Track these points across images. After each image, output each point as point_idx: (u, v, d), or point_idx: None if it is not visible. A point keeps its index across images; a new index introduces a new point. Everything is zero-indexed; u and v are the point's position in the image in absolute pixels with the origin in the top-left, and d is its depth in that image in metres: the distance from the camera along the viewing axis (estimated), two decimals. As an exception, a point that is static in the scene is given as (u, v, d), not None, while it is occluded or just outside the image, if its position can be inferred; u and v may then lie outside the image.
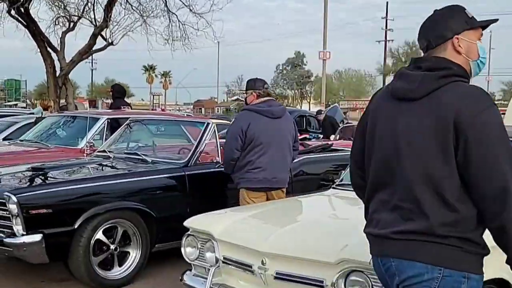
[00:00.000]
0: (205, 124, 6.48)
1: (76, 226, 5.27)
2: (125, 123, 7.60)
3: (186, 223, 4.34)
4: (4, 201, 5.13)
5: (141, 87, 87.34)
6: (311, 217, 3.94)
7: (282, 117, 5.94)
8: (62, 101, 18.71)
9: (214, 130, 6.43)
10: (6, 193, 5.05)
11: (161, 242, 5.94)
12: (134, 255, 5.74)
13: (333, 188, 5.08)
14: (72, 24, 19.44)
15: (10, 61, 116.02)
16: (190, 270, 4.37)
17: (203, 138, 6.33)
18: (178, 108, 70.40)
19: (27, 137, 9.49)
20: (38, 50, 17.62)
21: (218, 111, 67.87)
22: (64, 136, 9.26)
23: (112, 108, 11.01)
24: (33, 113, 19.49)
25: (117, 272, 5.66)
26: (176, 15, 19.99)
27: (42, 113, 10.81)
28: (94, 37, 18.09)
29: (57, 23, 19.24)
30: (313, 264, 3.42)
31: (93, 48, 18.46)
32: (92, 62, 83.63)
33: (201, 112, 73.81)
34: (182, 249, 4.30)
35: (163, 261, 6.17)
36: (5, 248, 5.21)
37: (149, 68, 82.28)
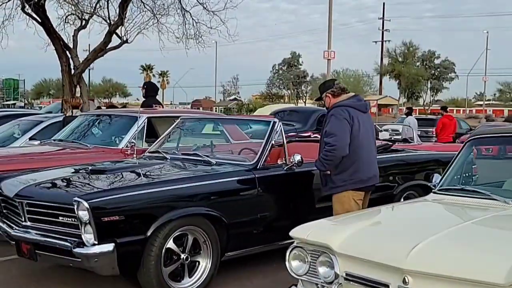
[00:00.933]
0: (271, 123, 5.96)
1: (148, 234, 4.76)
2: (176, 122, 7.07)
3: (293, 233, 3.82)
4: (71, 207, 4.60)
5: (139, 87, 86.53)
6: (445, 228, 3.42)
7: (368, 112, 5.72)
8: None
9: (281, 129, 5.93)
10: (77, 199, 4.52)
11: (232, 250, 5.44)
12: (204, 265, 5.23)
13: (434, 193, 4.57)
14: (84, 21, 18.90)
15: (5, 60, 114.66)
16: (296, 285, 3.84)
17: (270, 138, 5.82)
18: (174, 108, 69.77)
19: (60, 136, 8.94)
20: (54, 48, 16.99)
21: (216, 111, 67.26)
22: (100, 135, 8.72)
23: (144, 106, 10.46)
24: (50, 111, 19.00)
25: (188, 284, 5.15)
26: (190, 13, 19.45)
27: (72, 112, 10.24)
28: (109, 35, 17.48)
29: (67, 21, 18.66)
30: (472, 285, 2.91)
31: (108, 46, 17.80)
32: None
33: (199, 112, 73.00)
34: (287, 263, 3.78)
35: (234, 270, 5.67)
36: (72, 258, 4.68)
37: (147, 68, 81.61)
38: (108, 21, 18.36)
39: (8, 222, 5.43)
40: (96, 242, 4.53)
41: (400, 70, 68.00)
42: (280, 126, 5.93)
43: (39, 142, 9.85)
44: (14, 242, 5.24)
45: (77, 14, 18.87)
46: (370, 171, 5.60)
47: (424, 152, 8.18)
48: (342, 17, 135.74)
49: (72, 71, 17.19)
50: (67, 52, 17.05)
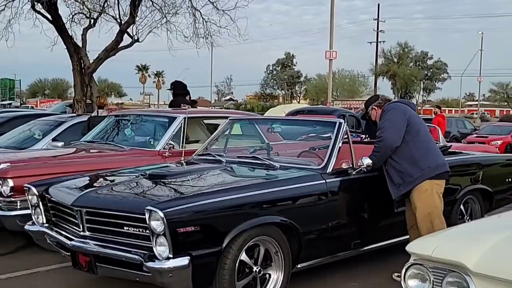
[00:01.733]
0: (337, 124, 5.51)
1: (223, 246, 4.29)
2: (225, 122, 6.60)
3: (412, 248, 3.36)
4: (142, 216, 4.12)
5: (134, 87, 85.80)
6: None
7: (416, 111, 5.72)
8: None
9: (346, 130, 5.48)
10: (150, 208, 4.04)
11: (304, 261, 4.98)
12: (276, 277, 4.77)
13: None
14: (92, 20, 18.39)
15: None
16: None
17: (338, 140, 5.37)
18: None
19: (89, 138, 8.45)
20: (65, 47, 16.48)
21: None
22: (133, 137, 8.22)
23: (172, 106, 9.97)
24: (65, 111, 18.40)
25: (260, 298, 4.67)
26: (200, 12, 18.97)
27: (98, 112, 9.73)
28: (121, 34, 17.00)
29: (73, 19, 18.13)
30: None
31: (120, 45, 17.27)
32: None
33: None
34: (403, 283, 3.32)
35: (304, 282, 5.21)
36: (141, 273, 4.20)
37: (142, 68, 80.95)
38: (118, 20, 17.88)
39: (60, 231, 4.95)
40: (171, 256, 4.05)
41: (395, 70, 67.79)
42: (346, 127, 5.49)
43: (62, 143, 9.35)
44: (69, 253, 4.75)
45: (84, 13, 18.40)
46: (441, 158, 5.55)
47: (481, 154, 7.76)
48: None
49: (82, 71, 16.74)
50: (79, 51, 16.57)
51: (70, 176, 5.68)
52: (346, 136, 5.45)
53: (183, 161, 6.14)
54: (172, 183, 4.87)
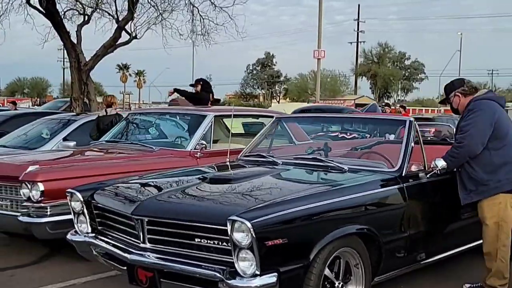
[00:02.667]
0: (408, 123, 5.00)
1: (310, 259, 3.75)
2: (272, 121, 6.05)
3: None
4: (223, 228, 3.56)
5: (115, 86, 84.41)
6: None
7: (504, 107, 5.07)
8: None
9: (417, 129, 4.98)
10: (235, 218, 3.47)
11: (382, 273, 4.46)
12: (355, 292, 4.24)
13: None
14: (87, 16, 17.69)
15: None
16: None
17: (410, 139, 4.87)
18: (149, 107, 68.19)
19: (108, 137, 7.83)
20: (62, 43, 15.76)
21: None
22: (157, 136, 7.63)
23: (199, 103, 9.38)
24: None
25: (341, 316, 4.14)
26: (198, 9, 18.37)
27: (106, 111, 9.09)
28: (119, 30, 16.32)
29: (65, 16, 17.38)
30: None
31: (118, 42, 16.58)
32: (63, 61, 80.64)
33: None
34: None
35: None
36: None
37: (123, 67, 79.76)
38: (115, 16, 17.20)
39: (111, 242, 4.37)
40: (258, 272, 3.50)
41: (376, 70, 67.72)
42: (416, 126, 4.99)
43: (74, 143, 8.74)
44: (124, 267, 4.17)
45: (77, 9, 17.70)
46: None
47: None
48: (311, 19, 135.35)
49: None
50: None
51: (107, 179, 5.10)
52: (416, 136, 4.94)
53: (228, 163, 5.56)
54: (243, 189, 4.29)
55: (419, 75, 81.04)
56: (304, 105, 21.12)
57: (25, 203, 5.68)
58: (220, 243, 3.68)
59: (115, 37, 16.31)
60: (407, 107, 21.66)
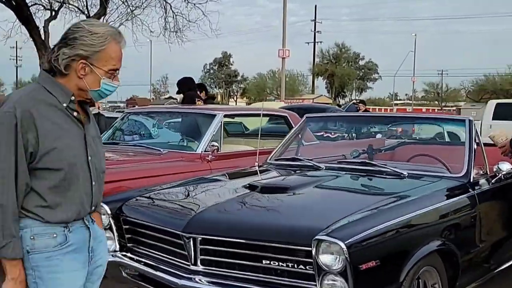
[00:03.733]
0: (467, 122, 4.48)
1: (400, 281, 3.16)
2: (302, 121, 5.44)
3: None
4: (305, 248, 2.94)
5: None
6: None
7: None
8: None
9: (476, 130, 4.46)
10: (323, 237, 2.86)
11: (458, 290, 3.90)
12: (433, 317, 3.67)
13: None
14: (54, 12, 16.74)
15: None
16: None
17: (472, 140, 4.34)
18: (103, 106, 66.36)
19: (105, 138, 7.07)
20: (30, 38, 14.75)
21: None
22: (160, 137, 6.91)
23: (188, 102, 8.68)
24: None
25: None
26: (171, 5, 17.64)
27: (98, 110, 8.35)
28: (91, 25, 15.39)
29: (29, 11, 16.38)
30: None
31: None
32: (16, 59, 77.94)
33: (134, 110, 69.87)
34: None
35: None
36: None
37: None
38: (86, 11, 16.30)
39: (148, 261, 3.69)
40: (352, 303, 2.88)
41: (333, 70, 67.86)
42: (474, 124, 4.47)
43: None
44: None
45: (43, 4, 16.73)
46: None
47: None
48: (264, 19, 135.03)
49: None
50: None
51: (131, 189, 4.42)
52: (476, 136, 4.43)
53: (256, 167, 4.92)
54: (308, 200, 3.66)
55: (373, 75, 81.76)
56: (273, 104, 20.55)
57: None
58: (297, 266, 3.05)
59: (87, 33, 15.39)
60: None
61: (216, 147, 6.06)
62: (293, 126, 7.34)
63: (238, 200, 3.63)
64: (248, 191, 3.81)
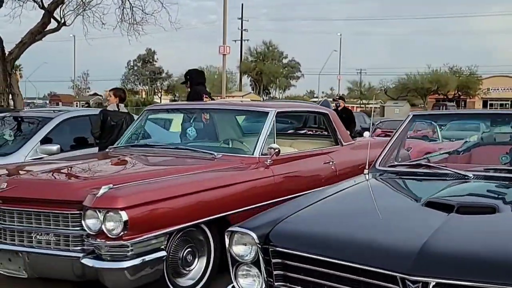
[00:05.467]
0: None
1: None
2: (407, 119, 4.55)
3: None
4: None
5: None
6: None
7: None
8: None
9: None
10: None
11: None
12: None
13: None
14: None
15: None
16: None
17: None
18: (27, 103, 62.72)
19: (125, 139, 5.93)
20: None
21: (77, 106, 61.22)
22: (196, 137, 5.83)
23: (192, 99, 7.60)
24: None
25: None
26: (126, -5, 16.23)
27: (118, 106, 7.11)
28: (48, 15, 13.83)
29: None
30: None
31: (47, 29, 14.06)
32: None
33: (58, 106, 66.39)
34: None
35: None
36: None
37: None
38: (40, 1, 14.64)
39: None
40: None
41: (261, 68, 67.43)
42: None
43: (58, 146, 6.77)
44: None
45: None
46: None
47: None
48: (184, 17, 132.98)
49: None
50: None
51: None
52: None
53: (367, 177, 4.00)
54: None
55: (296, 74, 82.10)
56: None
57: (92, 240, 3.78)
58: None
59: (43, 23, 13.81)
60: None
61: (277, 150, 5.09)
62: (334, 124, 6.50)
63: (451, 229, 2.69)
64: (443, 213, 2.88)
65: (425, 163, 3.98)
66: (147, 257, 3.81)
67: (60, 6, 14.10)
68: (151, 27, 16.84)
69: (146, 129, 6.01)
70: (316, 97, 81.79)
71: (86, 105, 63.56)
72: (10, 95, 13.57)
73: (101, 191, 3.69)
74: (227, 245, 2.93)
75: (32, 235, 4.05)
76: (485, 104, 72.72)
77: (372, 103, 53.47)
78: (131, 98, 58.57)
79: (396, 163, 4.15)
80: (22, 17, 14.32)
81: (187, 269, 4.36)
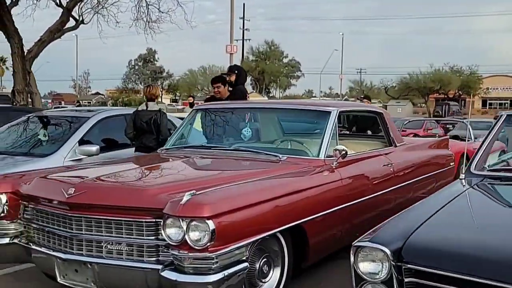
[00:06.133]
0: None
1: None
2: (501, 119, 4.22)
3: None
4: None
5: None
6: None
7: None
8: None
9: None
10: None
11: None
12: None
13: None
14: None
15: None
16: None
17: None
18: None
19: (175, 139, 5.59)
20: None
21: (79, 105, 60.65)
22: (251, 137, 5.49)
23: (238, 98, 7.25)
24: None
25: None
26: (144, -6, 15.93)
27: (147, 105, 6.80)
28: (67, 13, 13.49)
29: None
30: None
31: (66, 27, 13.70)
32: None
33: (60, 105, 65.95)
34: None
35: None
36: None
37: (0, 60, 72.54)
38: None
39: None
40: None
41: (263, 67, 67.11)
42: None
43: (97, 147, 6.45)
44: None
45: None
46: None
47: None
48: (184, 17, 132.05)
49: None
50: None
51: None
52: None
53: (463, 183, 3.66)
54: None
55: (296, 73, 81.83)
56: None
57: (173, 251, 3.44)
58: None
59: (62, 21, 13.48)
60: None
61: (344, 152, 4.75)
62: (388, 124, 6.17)
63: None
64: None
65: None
66: (231, 270, 3.46)
67: (79, 3, 13.73)
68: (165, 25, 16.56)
69: (195, 129, 5.66)
70: (315, 96, 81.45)
71: (88, 104, 63.13)
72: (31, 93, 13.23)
73: (185, 198, 3.34)
74: (351, 262, 2.60)
75: (102, 244, 3.70)
76: (484, 104, 72.63)
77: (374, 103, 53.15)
78: (134, 97, 58.09)
79: (487, 167, 3.81)
80: (39, 15, 13.94)
81: (263, 280, 4.02)
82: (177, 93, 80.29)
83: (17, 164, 6.12)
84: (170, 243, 3.43)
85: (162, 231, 3.45)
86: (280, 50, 79.35)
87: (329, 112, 5.13)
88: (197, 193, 3.42)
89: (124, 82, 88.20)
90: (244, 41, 64.13)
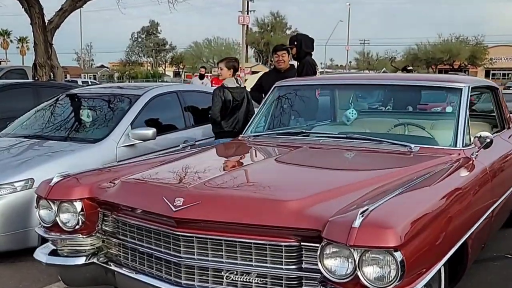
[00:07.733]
0: None
1: None
2: None
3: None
4: None
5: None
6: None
7: None
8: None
9: None
10: None
11: None
12: None
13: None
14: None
15: None
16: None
17: None
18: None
19: (259, 126, 4.54)
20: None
21: (85, 78, 59.25)
22: (352, 124, 4.42)
23: (306, 74, 6.19)
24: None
25: None
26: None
27: (237, 80, 5.74)
28: (90, -21, 12.24)
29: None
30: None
31: (88, -5, 12.48)
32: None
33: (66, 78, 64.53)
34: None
35: None
36: None
37: (4, 33, 70.99)
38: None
39: None
40: None
41: (269, 39, 65.60)
42: None
43: (154, 130, 5.48)
44: None
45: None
46: None
47: None
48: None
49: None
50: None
51: None
52: None
53: None
54: None
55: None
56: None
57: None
58: None
59: (85, -12, 12.24)
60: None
61: (488, 140, 3.70)
62: (501, 101, 5.12)
63: None
64: None
65: None
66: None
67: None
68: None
69: (284, 109, 4.60)
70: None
71: (93, 77, 61.71)
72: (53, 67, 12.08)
73: (358, 219, 2.29)
74: None
75: (222, 274, 2.68)
76: (487, 74, 71.30)
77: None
78: (139, 69, 56.66)
79: None
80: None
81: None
82: (181, 66, 78.75)
83: (65, 152, 5.10)
84: (331, 278, 2.40)
85: (319, 262, 2.42)
86: (284, 21, 77.67)
87: (460, 90, 4.06)
88: (370, 210, 2.38)
89: (127, 55, 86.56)
90: (249, 12, 62.64)
